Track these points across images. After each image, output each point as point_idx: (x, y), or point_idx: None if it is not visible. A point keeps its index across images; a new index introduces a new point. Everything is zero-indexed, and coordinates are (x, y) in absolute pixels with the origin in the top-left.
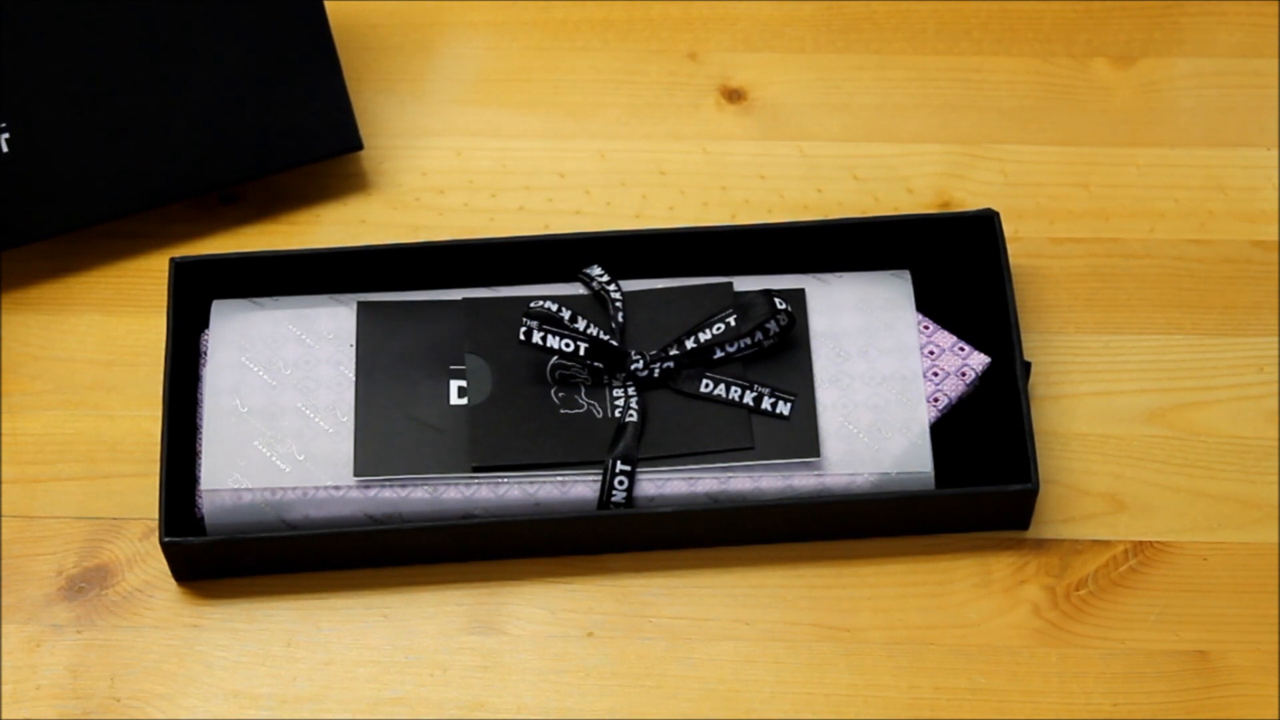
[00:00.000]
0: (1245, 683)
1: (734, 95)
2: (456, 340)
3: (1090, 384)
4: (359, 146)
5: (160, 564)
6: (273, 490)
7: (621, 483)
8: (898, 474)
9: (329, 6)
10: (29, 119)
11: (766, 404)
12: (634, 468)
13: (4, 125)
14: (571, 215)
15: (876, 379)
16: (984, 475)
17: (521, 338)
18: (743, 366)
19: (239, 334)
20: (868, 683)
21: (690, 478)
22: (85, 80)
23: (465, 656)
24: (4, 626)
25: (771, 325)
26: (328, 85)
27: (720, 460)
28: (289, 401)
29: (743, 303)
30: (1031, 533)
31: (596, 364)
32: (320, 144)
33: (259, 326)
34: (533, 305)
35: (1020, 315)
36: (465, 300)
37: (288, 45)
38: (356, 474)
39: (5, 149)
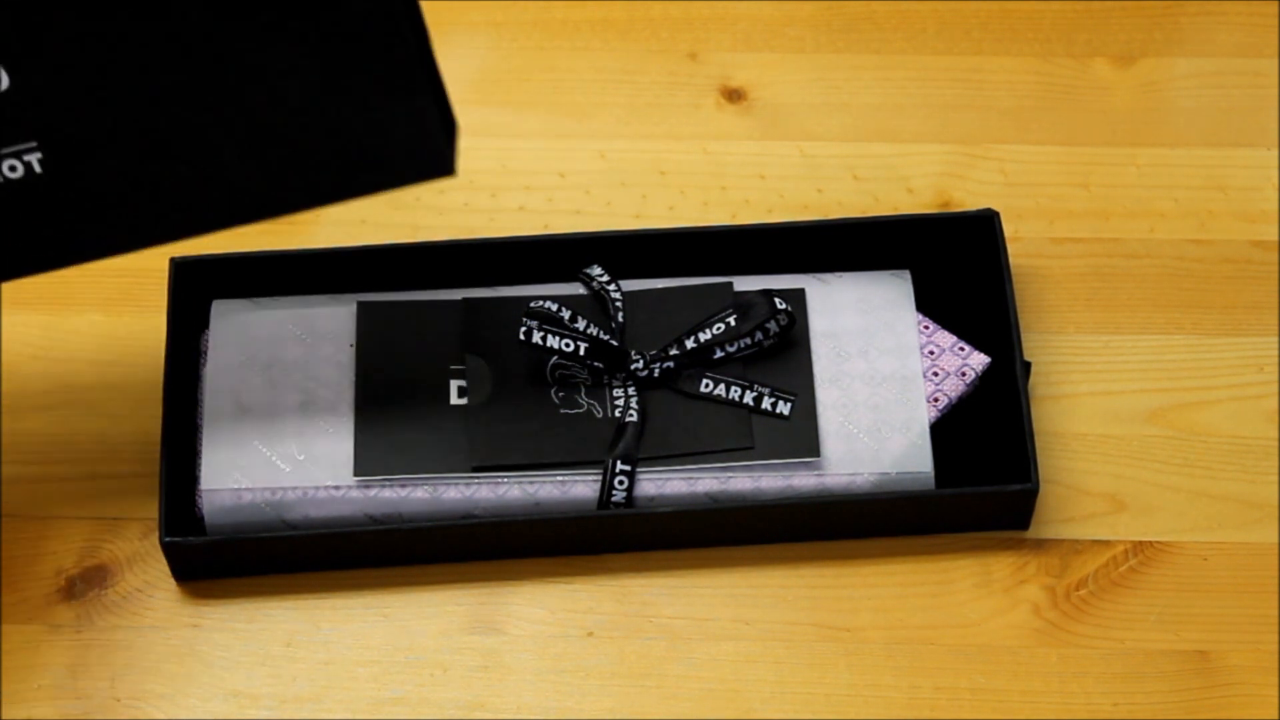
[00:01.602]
0: (1245, 683)
1: (734, 95)
2: (456, 340)
3: (1090, 384)
4: (451, 171)
5: (160, 564)
6: (273, 490)
7: (621, 483)
8: (898, 474)
9: None
10: (63, 137)
11: (766, 404)
12: (634, 468)
13: (35, 145)
14: (571, 215)
15: (876, 379)
16: (984, 475)
17: (521, 338)
18: (743, 366)
19: (239, 334)
20: (868, 683)
21: (690, 478)
22: (128, 94)
23: (465, 656)
24: (4, 626)
25: (771, 325)
26: (416, 101)
27: (720, 460)
28: (289, 401)
29: (743, 303)
30: (1031, 533)
31: (596, 364)
32: (403, 166)
33: (259, 326)
34: (533, 305)
35: (1020, 315)
36: (465, 300)
37: (370, 55)
38: (356, 474)
39: (38, 169)
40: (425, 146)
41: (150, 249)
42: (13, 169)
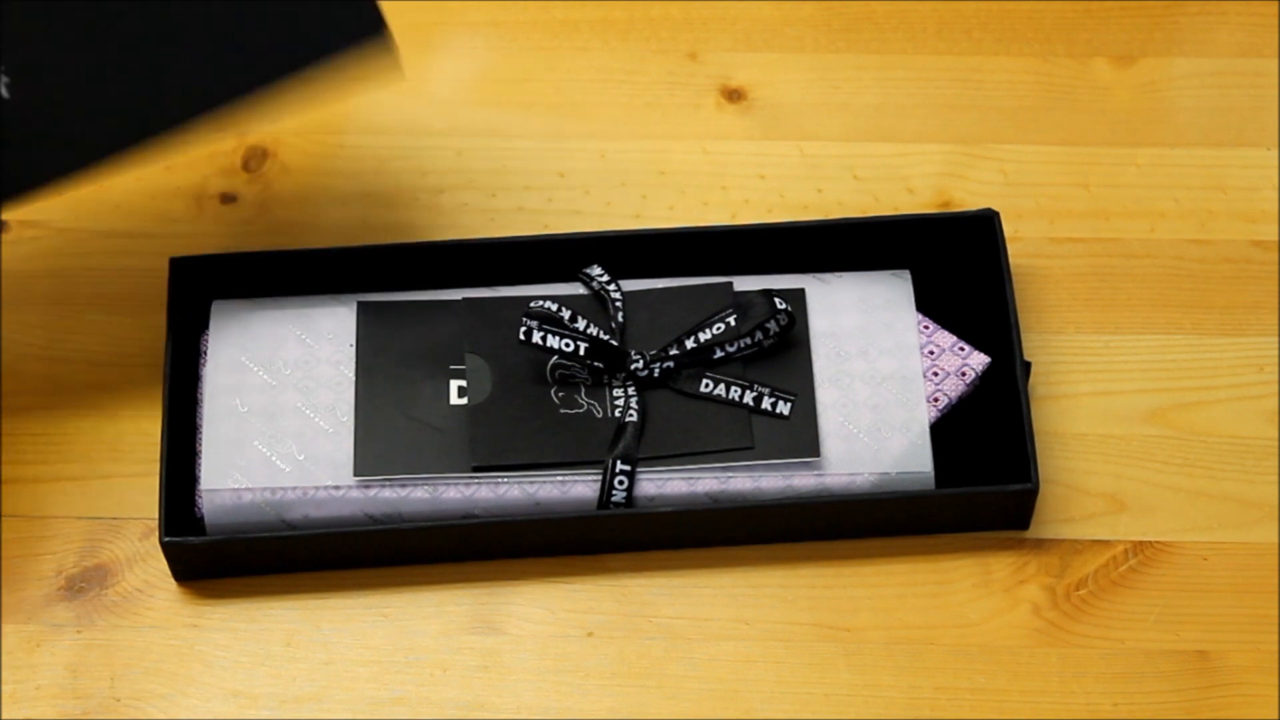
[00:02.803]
0: (1245, 683)
1: (734, 95)
2: (456, 340)
3: (1090, 384)
4: (381, 31)
5: (160, 564)
6: (273, 490)
7: (621, 483)
8: (898, 474)
9: None
10: (27, 59)
11: (766, 404)
12: (634, 468)
13: (3, 69)
14: (571, 215)
15: (876, 379)
16: (984, 475)
17: (521, 338)
18: (743, 366)
19: (239, 334)
20: (868, 683)
21: (690, 478)
22: (83, 8)
23: (465, 656)
24: (4, 626)
25: (771, 325)
26: None
27: (720, 460)
28: (289, 401)
29: (743, 302)
30: (1031, 533)
31: (596, 364)
32: (337, 36)
33: (259, 326)
34: (533, 305)
35: (1020, 315)
36: (465, 300)
37: None
38: (356, 474)
39: (5, 94)
40: (355, 14)
41: (150, 250)
42: None
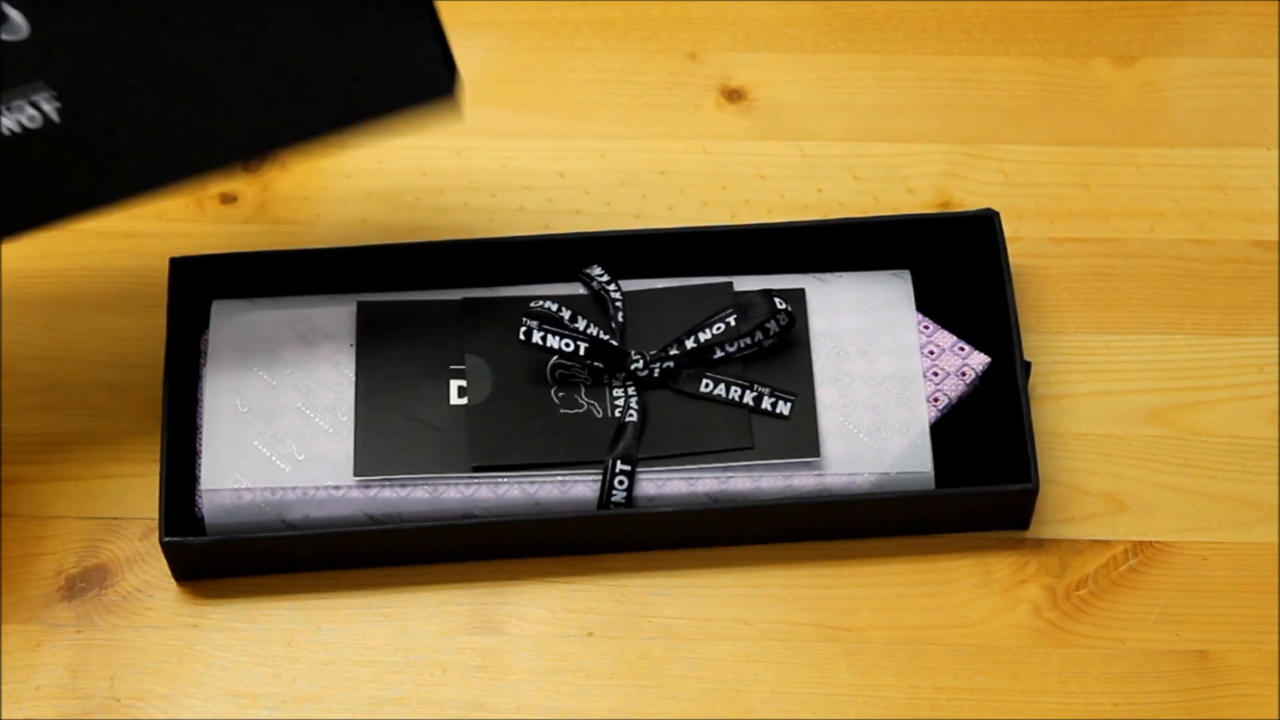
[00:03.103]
0: (1245, 683)
1: (734, 95)
2: (456, 340)
3: (1090, 384)
4: (451, 92)
5: (160, 564)
6: (273, 490)
7: (621, 483)
8: (898, 474)
9: None
10: (80, 84)
11: (766, 404)
12: (634, 468)
13: (53, 93)
14: (571, 215)
15: (876, 379)
16: (984, 475)
17: (521, 337)
18: (743, 366)
19: (239, 334)
20: (868, 683)
21: (690, 478)
22: (140, 36)
23: (465, 656)
24: (4, 626)
25: (771, 325)
26: (411, 23)
27: (720, 460)
28: (289, 401)
29: (743, 302)
30: (1031, 533)
31: (596, 364)
32: (405, 91)
33: (259, 326)
34: (533, 305)
35: (1020, 315)
36: (465, 300)
37: None
38: (356, 474)
39: (56, 118)
40: (425, 72)
41: (150, 250)
42: (32, 119)
